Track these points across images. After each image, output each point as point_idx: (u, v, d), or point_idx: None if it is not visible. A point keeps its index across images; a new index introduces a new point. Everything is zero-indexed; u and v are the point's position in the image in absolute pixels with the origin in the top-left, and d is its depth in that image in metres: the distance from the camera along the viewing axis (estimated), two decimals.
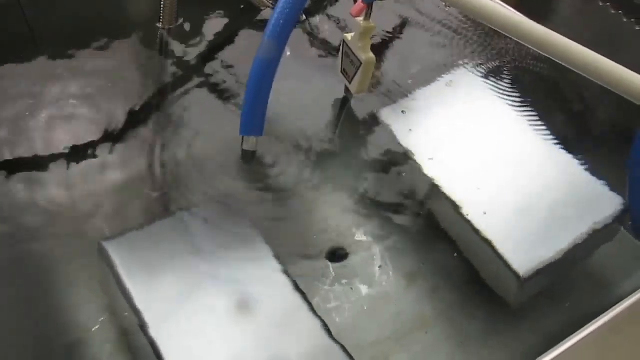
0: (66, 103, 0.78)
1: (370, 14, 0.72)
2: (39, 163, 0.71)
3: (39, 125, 0.75)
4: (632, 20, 1.08)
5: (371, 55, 0.74)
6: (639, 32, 1.07)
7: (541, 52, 0.55)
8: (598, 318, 0.59)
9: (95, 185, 0.69)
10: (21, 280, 0.61)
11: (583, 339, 0.56)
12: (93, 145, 0.73)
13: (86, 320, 0.58)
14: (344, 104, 0.85)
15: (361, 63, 0.74)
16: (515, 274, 0.67)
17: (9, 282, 0.61)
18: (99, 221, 0.66)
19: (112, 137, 0.75)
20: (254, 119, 0.67)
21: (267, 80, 0.65)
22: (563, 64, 0.55)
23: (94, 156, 0.72)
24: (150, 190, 0.70)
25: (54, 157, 0.72)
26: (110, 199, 0.68)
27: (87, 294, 0.60)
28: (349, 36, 0.75)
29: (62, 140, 0.73)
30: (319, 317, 0.58)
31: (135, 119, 0.78)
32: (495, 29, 0.56)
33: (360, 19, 0.72)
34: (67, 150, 0.72)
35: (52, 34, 0.89)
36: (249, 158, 0.73)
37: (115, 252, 0.60)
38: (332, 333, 0.58)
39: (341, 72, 0.79)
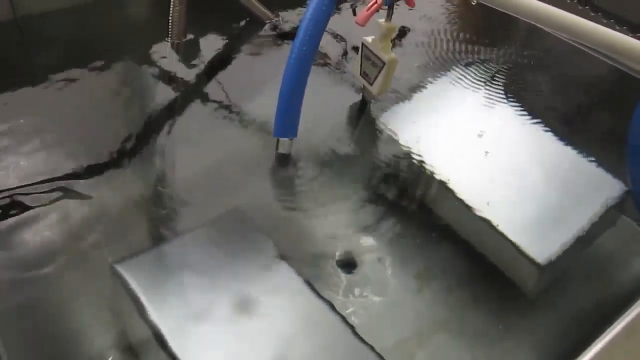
0: (69, 122, 0.76)
1: (392, 15, 0.73)
2: (41, 185, 0.68)
3: (36, 147, 0.72)
4: (598, 14, 1.13)
5: (393, 55, 0.75)
6: (605, 25, 1.12)
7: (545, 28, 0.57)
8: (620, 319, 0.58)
9: (99, 209, 0.67)
10: (29, 318, 0.58)
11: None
12: (97, 166, 0.71)
13: (100, 350, 0.56)
14: (362, 108, 0.86)
15: (384, 63, 0.75)
16: (533, 262, 0.68)
17: (17, 319, 0.58)
18: (106, 245, 0.64)
19: (117, 156, 0.73)
20: (289, 120, 0.67)
21: (302, 81, 0.65)
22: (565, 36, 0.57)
23: (98, 177, 0.70)
24: (158, 210, 0.68)
25: (57, 178, 0.69)
26: (115, 223, 0.66)
27: (98, 322, 0.58)
28: (369, 38, 0.77)
29: (64, 162, 0.71)
30: (342, 316, 0.58)
31: (141, 137, 0.76)
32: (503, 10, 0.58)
33: (382, 20, 0.74)
34: (71, 172, 0.70)
35: (54, 49, 0.88)
36: (284, 161, 0.72)
37: (129, 274, 0.59)
38: None
39: (361, 74, 0.80)
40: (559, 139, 0.87)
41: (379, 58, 0.76)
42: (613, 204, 0.77)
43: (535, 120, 0.89)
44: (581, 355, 0.50)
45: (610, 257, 0.73)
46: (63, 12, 0.92)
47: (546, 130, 0.88)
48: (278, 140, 0.71)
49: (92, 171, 0.71)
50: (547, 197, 0.77)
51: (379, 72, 0.76)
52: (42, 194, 0.67)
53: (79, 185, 0.69)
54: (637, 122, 0.73)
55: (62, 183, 0.69)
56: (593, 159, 0.84)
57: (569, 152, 0.85)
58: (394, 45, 0.78)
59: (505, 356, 0.61)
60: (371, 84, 0.79)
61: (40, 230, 0.64)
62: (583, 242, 0.72)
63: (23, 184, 0.68)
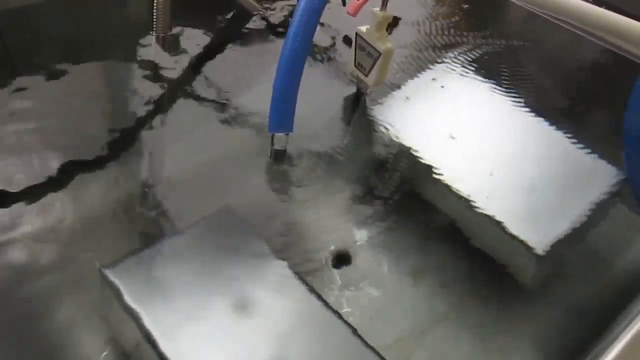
0: (52, 120, 0.74)
1: (387, 3, 0.72)
2: (24, 189, 0.66)
3: (17, 147, 0.70)
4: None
5: (389, 45, 0.73)
6: None
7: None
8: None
9: (85, 211, 0.65)
10: (16, 325, 0.56)
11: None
12: (82, 166, 0.69)
13: (91, 356, 0.54)
14: (356, 100, 0.84)
15: (380, 54, 0.74)
16: (531, 253, 0.67)
17: (4, 328, 0.56)
18: (94, 248, 0.62)
19: (103, 155, 0.71)
20: (284, 115, 0.65)
21: (297, 74, 0.63)
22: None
23: (83, 177, 0.68)
24: (147, 210, 0.66)
25: (40, 179, 0.67)
26: (103, 225, 0.64)
27: (86, 328, 0.56)
28: (364, 28, 0.75)
29: (47, 162, 0.69)
30: (338, 314, 0.56)
31: (127, 136, 0.74)
32: None
33: (377, 9, 0.72)
34: (55, 173, 0.68)
35: (34, 46, 0.85)
36: (280, 157, 0.70)
37: (118, 278, 0.56)
38: None
39: (355, 66, 0.79)
40: (554, 127, 0.86)
41: (374, 48, 0.74)
42: (610, 192, 0.77)
43: (530, 110, 0.89)
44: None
45: (609, 246, 0.73)
46: (42, 6, 0.89)
47: (541, 120, 0.87)
48: (273, 136, 0.68)
49: (77, 171, 0.68)
50: (543, 187, 0.77)
51: (375, 63, 0.75)
52: (25, 196, 0.65)
53: (64, 186, 0.66)
54: (631, 115, 0.73)
55: (45, 184, 0.66)
56: (589, 147, 0.83)
57: (565, 141, 0.84)
58: (388, 35, 0.76)
59: (506, 349, 0.60)
60: (366, 75, 0.78)
61: (25, 233, 0.61)
62: (581, 231, 0.72)
63: (4, 186, 0.65)
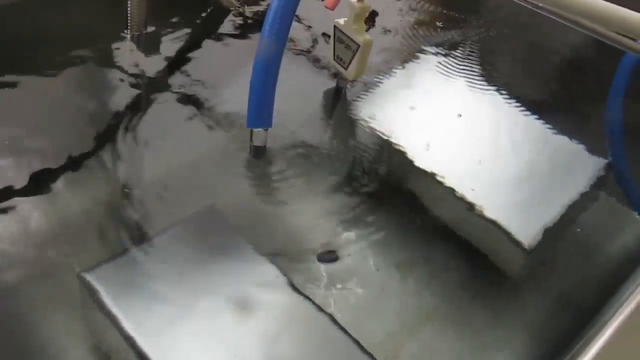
0: (27, 124, 0.72)
1: None
2: None
3: None
4: None
5: (368, 37, 0.73)
6: None
7: None
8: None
9: (64, 216, 0.64)
10: None
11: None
12: (60, 170, 0.68)
13: None
14: (337, 94, 0.84)
15: (359, 46, 0.73)
16: (519, 245, 0.67)
17: None
18: (73, 253, 0.61)
19: (81, 158, 0.69)
20: (263, 109, 0.64)
21: (274, 67, 0.62)
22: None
23: (61, 181, 0.67)
24: (127, 213, 0.65)
25: (17, 184, 0.65)
26: (82, 229, 0.63)
27: (68, 335, 0.55)
28: (341, 21, 0.75)
29: (24, 166, 0.67)
30: (326, 313, 0.56)
31: (105, 138, 0.73)
32: None
33: (354, 0, 0.71)
34: (32, 178, 0.66)
35: (5, 48, 0.83)
36: (260, 154, 0.69)
37: (98, 282, 0.55)
38: None
39: (334, 59, 0.78)
40: (539, 118, 0.86)
41: (352, 40, 0.74)
42: (594, 181, 0.77)
43: (516, 100, 0.89)
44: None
45: (596, 235, 0.73)
46: (11, 7, 0.87)
47: (526, 110, 0.87)
48: (252, 132, 0.68)
49: (54, 175, 0.67)
50: (530, 178, 0.76)
51: (354, 55, 0.74)
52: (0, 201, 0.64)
53: (41, 190, 0.65)
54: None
55: (22, 188, 0.65)
56: (575, 137, 0.83)
57: (550, 132, 0.84)
58: (367, 28, 0.76)
59: (494, 342, 0.60)
60: (345, 68, 0.77)
61: (1, 239, 0.60)
62: (568, 222, 0.72)
63: None
